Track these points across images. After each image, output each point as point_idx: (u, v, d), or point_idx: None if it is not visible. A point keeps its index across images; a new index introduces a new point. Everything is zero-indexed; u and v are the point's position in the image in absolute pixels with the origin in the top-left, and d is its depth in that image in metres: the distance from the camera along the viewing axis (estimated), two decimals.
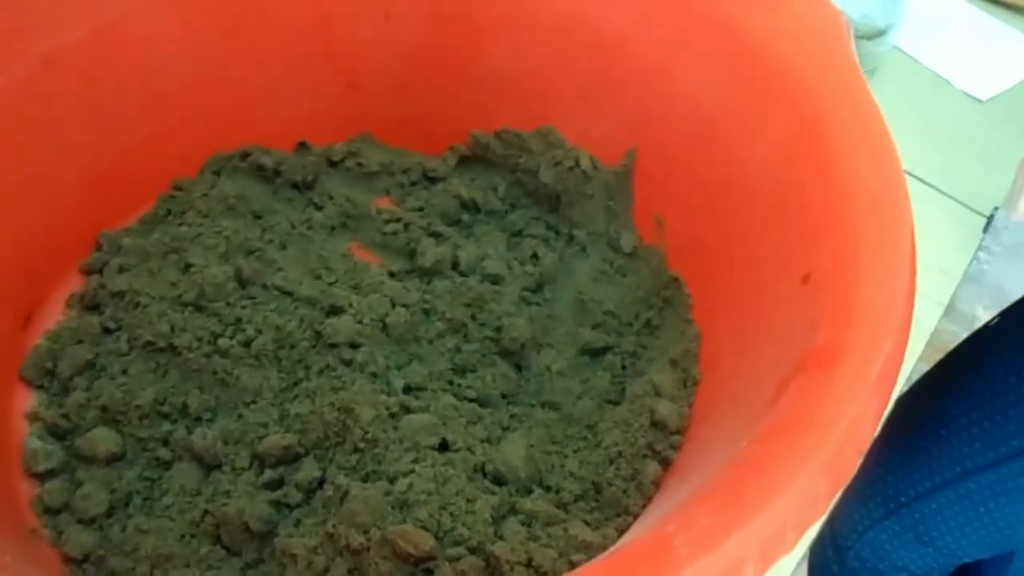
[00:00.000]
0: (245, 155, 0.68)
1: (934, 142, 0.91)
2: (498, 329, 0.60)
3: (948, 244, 0.81)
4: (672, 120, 0.61)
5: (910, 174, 0.86)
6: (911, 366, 0.71)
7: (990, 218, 0.84)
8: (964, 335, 0.95)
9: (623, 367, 0.60)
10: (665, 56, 0.61)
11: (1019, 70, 1.02)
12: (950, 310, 1.75)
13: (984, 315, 1.81)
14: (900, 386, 0.70)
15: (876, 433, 0.93)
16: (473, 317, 0.61)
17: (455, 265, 0.65)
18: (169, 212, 0.66)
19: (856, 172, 0.49)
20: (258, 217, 0.66)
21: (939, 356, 0.95)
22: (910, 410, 0.94)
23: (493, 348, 0.60)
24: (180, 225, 0.64)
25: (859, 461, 0.38)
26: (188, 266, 0.61)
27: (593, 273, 0.65)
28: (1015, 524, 0.86)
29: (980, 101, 0.97)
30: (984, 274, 1.92)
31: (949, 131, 0.93)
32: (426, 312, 0.61)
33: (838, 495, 0.42)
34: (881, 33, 0.92)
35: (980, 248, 1.85)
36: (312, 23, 0.66)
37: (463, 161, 0.71)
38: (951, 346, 0.93)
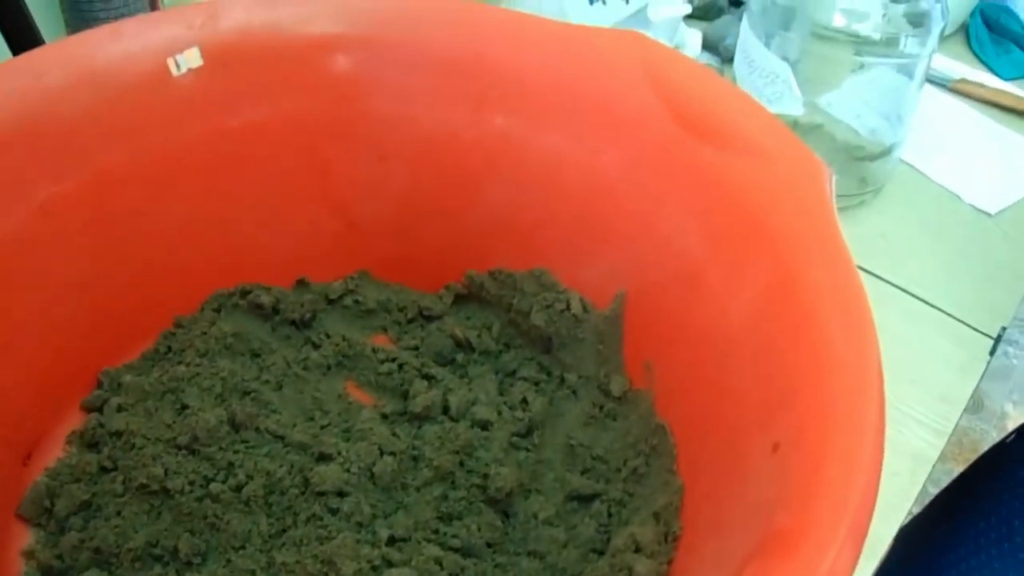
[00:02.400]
0: (245, 292, 0.70)
1: (940, 261, 0.91)
2: (485, 476, 0.61)
3: (951, 369, 0.80)
4: (659, 267, 0.62)
5: (914, 296, 0.87)
6: (911, 502, 0.70)
7: (998, 338, 0.84)
8: (993, 433, 0.95)
9: (609, 515, 0.60)
10: (652, 204, 0.62)
11: None
12: (978, 408, 1.75)
13: (1013, 412, 1.80)
14: (899, 527, 0.69)
15: (897, 550, 0.93)
16: (461, 464, 0.62)
17: (446, 410, 0.65)
18: (170, 349, 0.67)
19: (829, 333, 0.49)
20: (255, 355, 0.68)
21: (967, 456, 0.95)
22: (932, 530, 0.93)
23: (480, 496, 0.61)
24: (179, 364, 0.66)
25: None
26: (184, 407, 0.63)
27: (583, 417, 0.65)
28: None
29: (989, 215, 0.97)
30: (1013, 369, 1.90)
31: (956, 248, 0.93)
32: (415, 459, 0.62)
33: None
34: (888, 151, 0.93)
35: (1008, 343, 1.84)
36: (309, 167, 0.68)
37: (458, 299, 0.72)
38: (980, 445, 0.93)
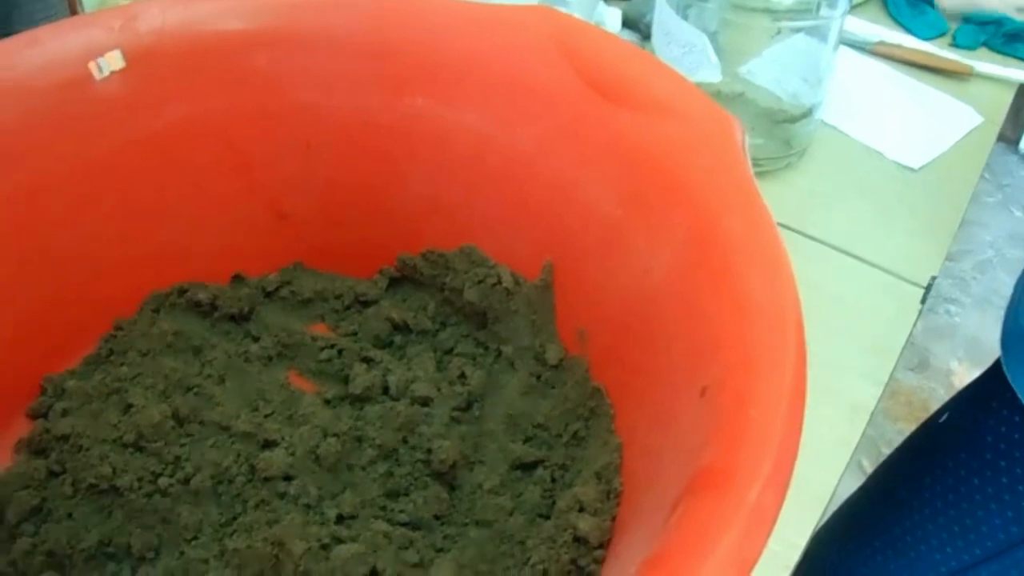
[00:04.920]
0: (182, 291, 0.71)
1: (868, 216, 0.93)
2: (428, 451, 0.62)
3: (886, 319, 0.82)
4: (583, 233, 0.63)
5: (844, 252, 0.88)
6: (851, 450, 0.72)
7: (928, 287, 0.86)
8: (941, 391, 0.97)
9: (553, 480, 0.61)
10: (571, 172, 0.63)
11: (951, 135, 1.04)
12: (924, 367, 1.77)
13: (959, 368, 1.84)
14: (841, 473, 0.71)
15: (839, 523, 0.94)
16: (404, 441, 0.63)
17: (385, 390, 0.66)
18: (111, 352, 0.68)
19: (748, 283, 0.50)
20: (197, 352, 0.68)
21: (918, 415, 0.97)
22: (871, 512, 0.95)
23: (425, 470, 0.62)
24: (121, 365, 0.66)
25: None
26: (129, 407, 0.63)
27: (522, 387, 0.66)
28: None
29: (913, 170, 0.99)
30: (956, 327, 1.94)
31: (883, 203, 0.95)
32: (358, 439, 0.63)
33: None
34: (809, 112, 0.94)
35: (949, 301, 1.87)
36: (236, 162, 0.69)
37: (393, 283, 0.74)
38: (929, 404, 0.95)
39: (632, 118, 0.60)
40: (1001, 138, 2.55)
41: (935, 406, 1.58)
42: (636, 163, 0.59)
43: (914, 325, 0.83)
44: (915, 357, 1.91)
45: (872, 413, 0.75)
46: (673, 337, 0.55)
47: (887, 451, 0.99)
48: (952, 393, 0.97)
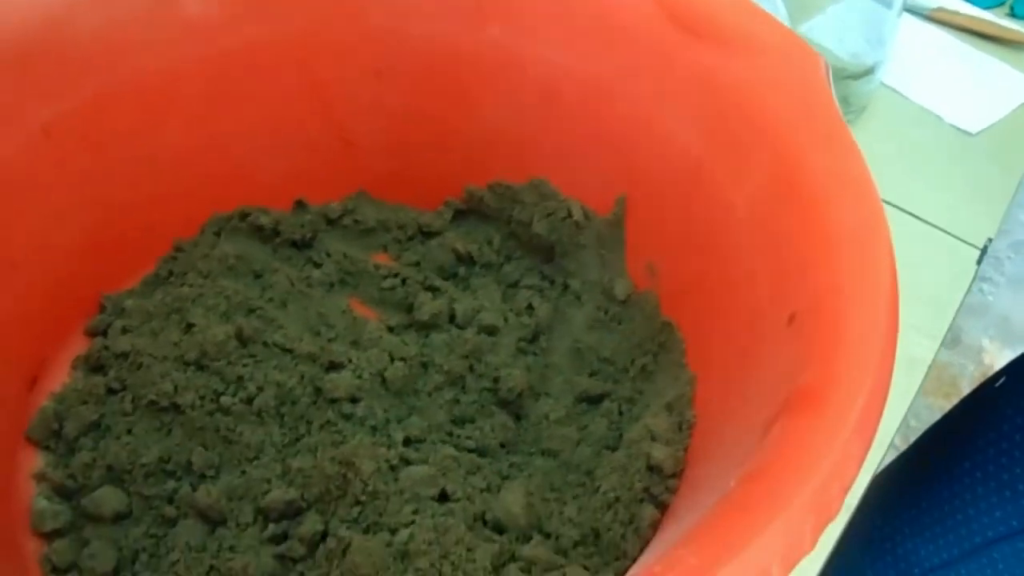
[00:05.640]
0: (244, 215, 0.70)
1: (925, 177, 0.92)
2: (495, 380, 0.61)
3: (942, 277, 0.81)
4: (659, 168, 0.62)
5: (901, 209, 0.87)
6: (909, 401, 0.71)
7: (984, 249, 0.85)
8: (971, 367, 0.96)
9: (620, 413, 0.61)
10: (650, 107, 0.62)
11: (1008, 102, 1.03)
12: (955, 343, 1.77)
13: (990, 347, 1.83)
14: (900, 422, 0.70)
15: (881, 490, 0.94)
16: (471, 369, 0.62)
17: (452, 318, 0.66)
18: (171, 273, 0.67)
19: (836, 212, 0.50)
20: (258, 276, 0.68)
21: (946, 391, 0.96)
22: (921, 469, 0.94)
23: (491, 399, 0.61)
24: (182, 286, 0.65)
25: (844, 499, 0.39)
26: (190, 326, 0.62)
27: (588, 321, 0.66)
28: None
29: (970, 134, 0.98)
30: (989, 305, 1.93)
31: (940, 165, 0.94)
32: (424, 365, 0.62)
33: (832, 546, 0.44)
34: (870, 71, 0.93)
35: (983, 280, 1.86)
36: (307, 87, 0.68)
37: (458, 215, 0.73)
38: (959, 380, 0.94)
39: (715, 52, 0.59)
40: None
41: (965, 383, 1.57)
42: (719, 98, 0.59)
43: (971, 284, 0.82)
44: (947, 333, 1.90)
45: (929, 366, 0.75)
46: (756, 269, 0.54)
47: (915, 424, 0.99)
48: (982, 371, 0.97)
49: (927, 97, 1.01)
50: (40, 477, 0.57)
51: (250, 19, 0.65)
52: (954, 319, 0.80)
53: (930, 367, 0.75)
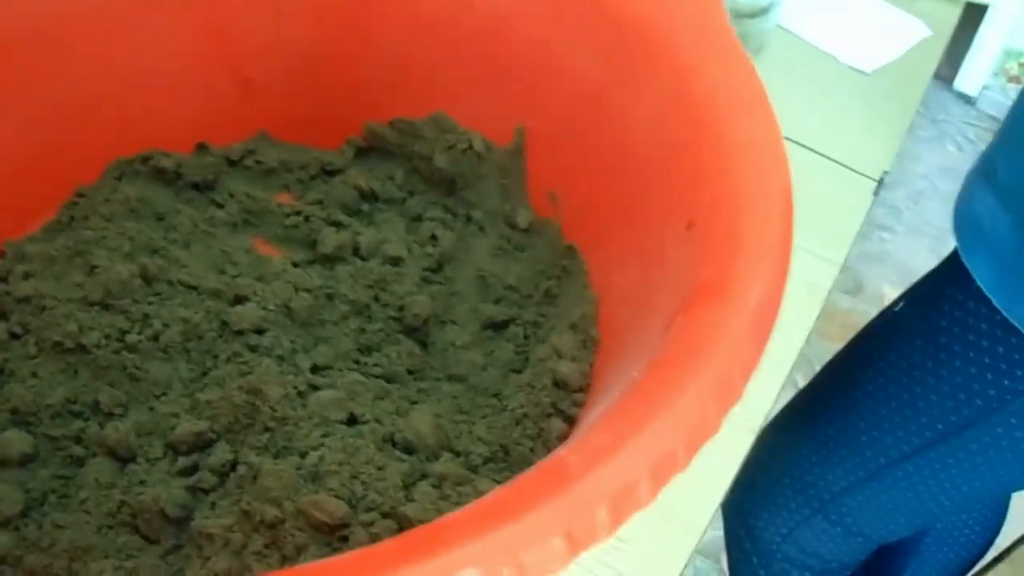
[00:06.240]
0: (146, 159, 0.69)
1: (823, 114, 0.94)
2: (401, 308, 0.62)
3: (841, 208, 0.84)
4: (557, 95, 0.63)
5: (800, 144, 0.89)
6: (810, 324, 0.73)
7: (880, 180, 0.87)
8: (874, 313, 0.98)
9: (526, 337, 0.62)
10: (545, 33, 0.63)
11: (902, 44, 1.06)
12: (858, 290, 1.80)
13: (892, 293, 1.88)
14: (802, 346, 0.72)
15: (784, 425, 0.95)
16: (376, 298, 0.63)
17: (356, 251, 0.66)
18: (72, 218, 0.66)
19: (731, 124, 0.51)
20: (161, 218, 0.67)
21: (851, 336, 0.98)
22: (821, 402, 0.96)
23: (397, 327, 0.62)
24: (84, 230, 0.65)
25: (745, 385, 0.40)
26: (93, 267, 0.62)
27: (492, 250, 0.67)
28: (940, 504, 0.88)
29: (865, 74, 1.01)
30: (889, 254, 1.99)
31: (837, 103, 0.96)
32: (329, 296, 0.63)
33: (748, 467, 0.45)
34: (765, 11, 0.95)
35: (883, 229, 1.90)
36: (204, 26, 0.68)
37: (360, 153, 0.73)
38: (862, 326, 0.96)
39: None
40: (937, 76, 2.60)
41: None
42: (613, 20, 0.60)
43: (867, 213, 0.84)
44: (849, 281, 1.95)
45: (828, 292, 0.76)
46: (653, 183, 0.55)
47: (819, 367, 1.01)
48: None
49: (824, 38, 1.04)
50: None
51: None
52: (850, 250, 0.81)
53: (829, 293, 0.77)
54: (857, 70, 1.01)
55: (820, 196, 0.85)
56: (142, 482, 0.54)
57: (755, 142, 0.49)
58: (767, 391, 0.68)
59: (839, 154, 0.90)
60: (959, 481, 0.85)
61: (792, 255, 0.46)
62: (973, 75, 2.61)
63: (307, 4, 0.68)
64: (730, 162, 0.49)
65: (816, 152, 0.89)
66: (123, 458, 0.55)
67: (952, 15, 1.16)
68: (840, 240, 0.81)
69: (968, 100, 2.62)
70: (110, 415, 0.57)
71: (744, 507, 1.06)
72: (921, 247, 2.04)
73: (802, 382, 1.04)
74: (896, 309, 0.91)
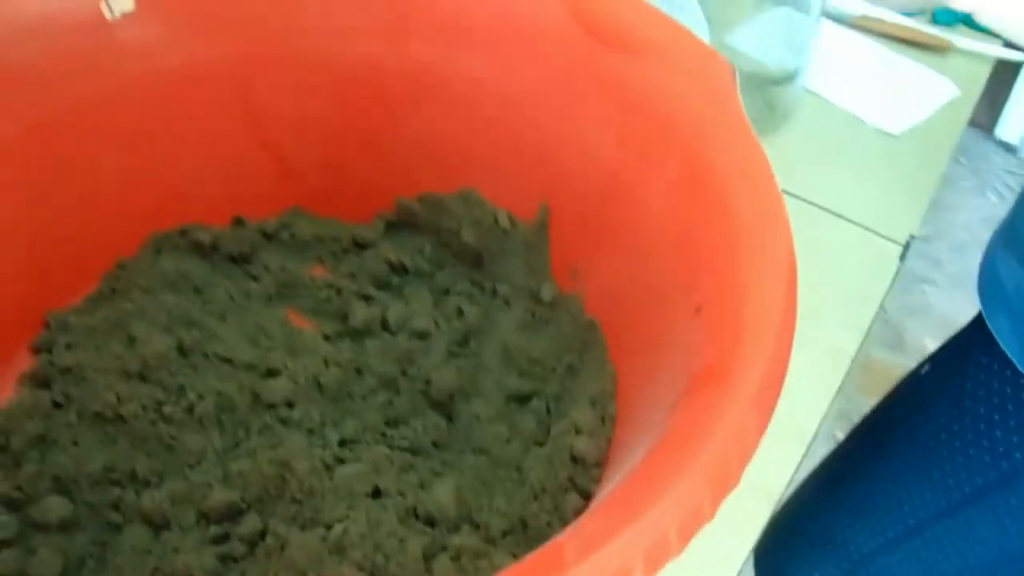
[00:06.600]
0: (184, 232, 0.72)
1: (849, 177, 0.95)
2: (427, 382, 0.64)
3: (866, 273, 0.85)
4: (578, 174, 0.65)
5: (825, 209, 0.91)
6: (834, 391, 0.74)
7: (906, 245, 0.88)
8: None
9: (548, 410, 0.63)
10: (566, 115, 0.65)
11: (930, 104, 1.07)
12: (899, 344, 1.80)
13: (932, 345, 1.86)
14: (825, 411, 0.73)
15: (818, 482, 0.96)
16: (403, 372, 0.65)
17: (384, 325, 0.68)
18: (113, 290, 0.69)
19: (739, 207, 0.52)
20: (198, 291, 0.70)
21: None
22: (851, 461, 0.97)
23: (423, 400, 0.64)
24: (124, 302, 0.68)
25: (741, 471, 0.41)
26: (132, 339, 0.65)
27: (517, 324, 0.69)
28: (971, 567, 0.88)
29: (893, 136, 1.01)
30: (930, 306, 1.99)
31: (863, 166, 0.97)
32: (358, 370, 0.65)
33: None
34: (792, 76, 0.97)
35: (925, 281, 1.89)
36: (240, 107, 0.71)
37: (391, 227, 0.75)
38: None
39: (626, 61, 0.62)
40: (977, 124, 2.60)
41: None
42: (631, 104, 0.61)
43: (894, 279, 0.85)
44: (890, 334, 1.95)
45: (852, 359, 0.77)
46: (666, 266, 0.57)
47: (857, 421, 1.02)
48: None
49: (851, 101, 1.05)
50: None
51: (178, 41, 0.68)
52: (877, 313, 0.82)
53: (853, 361, 0.78)
54: (885, 132, 1.02)
55: (846, 261, 0.86)
56: (176, 549, 0.56)
57: (761, 227, 0.51)
58: (788, 458, 0.69)
59: (865, 218, 0.91)
60: (989, 543, 0.85)
61: (794, 336, 0.47)
62: (1014, 124, 2.60)
63: (339, 86, 0.71)
64: (737, 247, 0.51)
65: (842, 217, 0.90)
66: (158, 525, 0.57)
67: (982, 72, 1.17)
68: (866, 305, 0.82)
69: (1009, 148, 2.62)
70: (146, 483, 0.59)
71: (776, 566, 1.07)
72: (963, 299, 2.03)
73: (841, 435, 1.05)
74: (922, 372, 0.91)
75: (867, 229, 0.90)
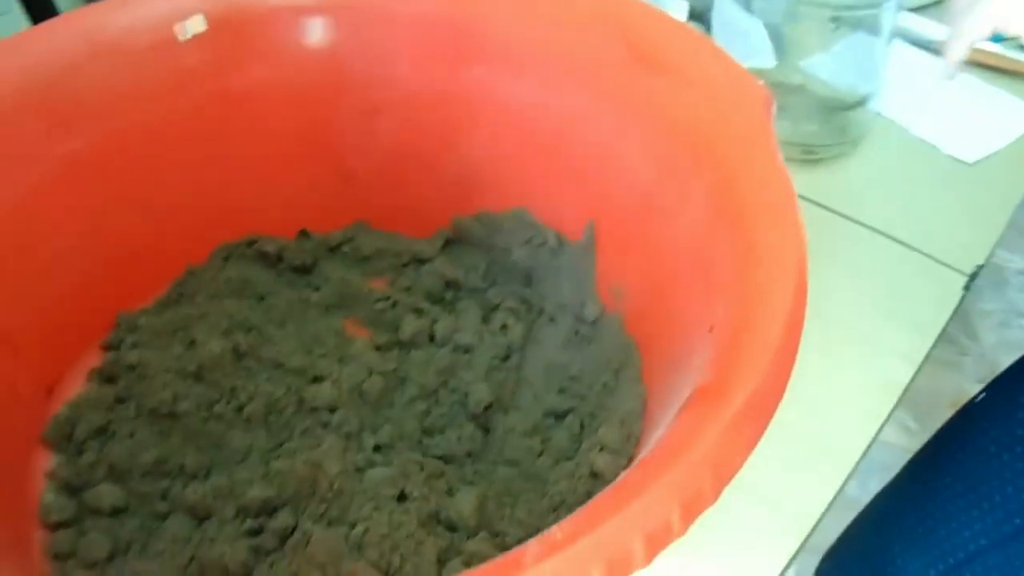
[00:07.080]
0: (251, 243, 0.76)
1: (918, 205, 0.93)
2: (466, 394, 0.66)
3: (925, 303, 0.83)
4: (621, 195, 0.66)
5: (890, 236, 0.90)
6: (881, 421, 0.74)
7: (972, 275, 0.87)
8: None
9: (582, 427, 0.65)
10: (613, 138, 0.67)
11: (1009, 132, 1.04)
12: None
13: None
14: (870, 442, 0.73)
15: (878, 508, 0.95)
16: (444, 383, 0.67)
17: (432, 337, 0.71)
18: (181, 295, 0.73)
19: (757, 235, 0.53)
20: (261, 298, 0.74)
21: None
22: (904, 490, 0.96)
23: (461, 412, 0.66)
24: (190, 306, 0.72)
25: (720, 488, 0.41)
26: (192, 341, 0.68)
27: (561, 341, 0.70)
28: None
29: (967, 164, 1.00)
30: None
31: (934, 194, 0.95)
32: (401, 379, 0.68)
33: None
34: (863, 101, 0.96)
35: (1022, 315, 1.83)
36: (306, 125, 0.74)
37: (448, 243, 0.78)
38: None
39: (667, 85, 0.63)
40: None
41: None
42: (669, 128, 0.63)
43: (955, 311, 0.85)
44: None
45: (905, 389, 0.77)
46: (691, 287, 0.58)
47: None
48: None
49: (927, 128, 1.03)
50: (51, 475, 0.63)
51: (246, 62, 0.71)
52: (935, 343, 0.82)
53: (906, 389, 0.78)
54: (959, 160, 1.01)
55: (908, 290, 0.85)
56: (212, 539, 0.59)
57: (776, 251, 0.51)
58: (827, 488, 0.69)
59: (931, 247, 0.89)
60: None
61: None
62: None
63: (401, 108, 0.74)
64: (749, 270, 0.51)
65: (907, 245, 0.89)
66: (200, 516, 0.61)
67: None
68: (923, 337, 0.81)
69: None
70: (193, 476, 0.63)
71: None
72: None
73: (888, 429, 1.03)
74: (977, 400, 0.91)
75: (931, 258, 0.89)
